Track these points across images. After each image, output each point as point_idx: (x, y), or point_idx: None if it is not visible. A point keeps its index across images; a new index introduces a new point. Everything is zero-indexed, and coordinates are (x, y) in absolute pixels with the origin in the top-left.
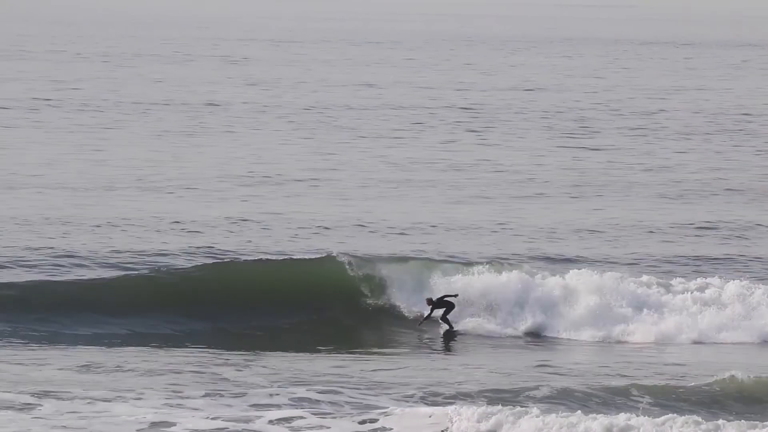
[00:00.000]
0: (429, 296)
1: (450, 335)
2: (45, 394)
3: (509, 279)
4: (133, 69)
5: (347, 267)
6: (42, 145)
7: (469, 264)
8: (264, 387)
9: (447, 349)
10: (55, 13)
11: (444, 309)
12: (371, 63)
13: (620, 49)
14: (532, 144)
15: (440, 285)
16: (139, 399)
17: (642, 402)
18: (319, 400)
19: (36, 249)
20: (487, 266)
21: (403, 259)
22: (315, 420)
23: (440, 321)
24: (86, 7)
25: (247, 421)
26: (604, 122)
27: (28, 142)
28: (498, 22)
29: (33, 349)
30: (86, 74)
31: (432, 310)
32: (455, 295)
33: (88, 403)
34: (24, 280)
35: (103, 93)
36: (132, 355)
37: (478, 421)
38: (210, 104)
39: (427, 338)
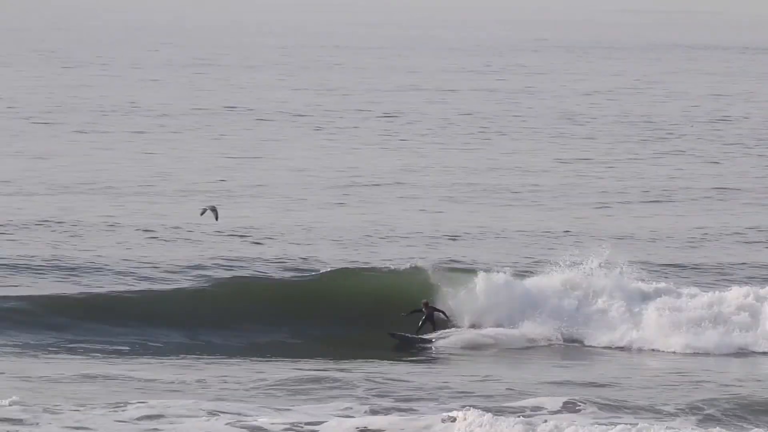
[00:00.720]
0: (425, 300)
1: (408, 340)
2: (137, 400)
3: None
4: (205, 75)
5: (432, 277)
6: (114, 152)
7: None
8: (353, 389)
9: (525, 356)
10: (124, 19)
11: (425, 317)
12: (449, 70)
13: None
14: (610, 149)
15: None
16: (224, 402)
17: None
18: (410, 400)
19: (116, 257)
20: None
21: (485, 270)
22: (405, 419)
23: (420, 324)
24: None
25: (338, 422)
26: (679, 127)
27: (102, 150)
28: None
29: (124, 356)
30: (159, 80)
31: (432, 316)
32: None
33: (176, 408)
34: (109, 289)
35: (177, 100)
36: (216, 361)
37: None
38: (285, 111)
39: (508, 348)
